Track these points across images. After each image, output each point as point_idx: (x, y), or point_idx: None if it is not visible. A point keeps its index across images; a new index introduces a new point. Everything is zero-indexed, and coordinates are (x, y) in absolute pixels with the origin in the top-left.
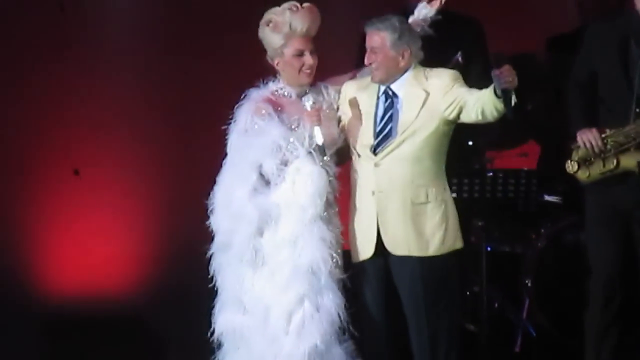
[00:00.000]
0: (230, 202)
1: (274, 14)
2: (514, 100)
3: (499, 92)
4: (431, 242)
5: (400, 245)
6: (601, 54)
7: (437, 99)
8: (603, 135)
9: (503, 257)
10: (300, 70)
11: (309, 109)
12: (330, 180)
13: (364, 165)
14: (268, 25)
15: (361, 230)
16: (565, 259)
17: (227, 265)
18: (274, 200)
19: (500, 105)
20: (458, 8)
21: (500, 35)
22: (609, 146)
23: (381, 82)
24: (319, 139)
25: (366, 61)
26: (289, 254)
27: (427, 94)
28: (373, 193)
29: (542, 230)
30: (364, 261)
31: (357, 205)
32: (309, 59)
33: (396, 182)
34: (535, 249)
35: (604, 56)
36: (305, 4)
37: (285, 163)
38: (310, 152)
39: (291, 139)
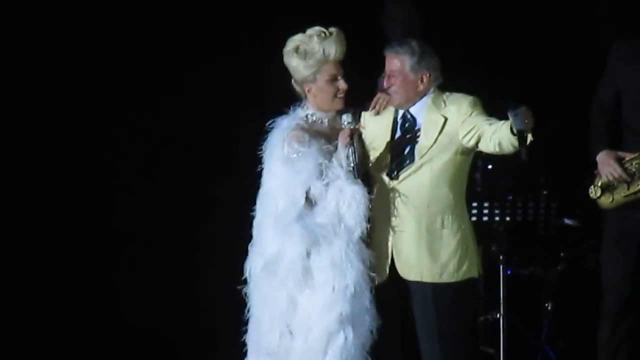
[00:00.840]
0: (278, 225)
1: (301, 42)
2: (529, 139)
3: (515, 130)
4: (445, 268)
5: (413, 270)
6: (626, 74)
7: (455, 125)
8: (627, 158)
9: (523, 281)
10: (335, 95)
11: (346, 125)
12: (370, 200)
13: (381, 188)
14: (296, 52)
15: (377, 254)
16: (585, 283)
17: (274, 289)
18: (319, 221)
19: (515, 143)
20: None
21: None
22: (633, 169)
23: (400, 106)
24: (354, 159)
25: (385, 85)
26: (334, 275)
27: (445, 119)
28: (389, 217)
29: (562, 254)
30: (385, 282)
31: (373, 229)
32: (343, 84)
33: (412, 207)
34: (555, 273)
35: (629, 77)
36: (332, 29)
37: (328, 182)
38: (349, 171)
39: (331, 160)
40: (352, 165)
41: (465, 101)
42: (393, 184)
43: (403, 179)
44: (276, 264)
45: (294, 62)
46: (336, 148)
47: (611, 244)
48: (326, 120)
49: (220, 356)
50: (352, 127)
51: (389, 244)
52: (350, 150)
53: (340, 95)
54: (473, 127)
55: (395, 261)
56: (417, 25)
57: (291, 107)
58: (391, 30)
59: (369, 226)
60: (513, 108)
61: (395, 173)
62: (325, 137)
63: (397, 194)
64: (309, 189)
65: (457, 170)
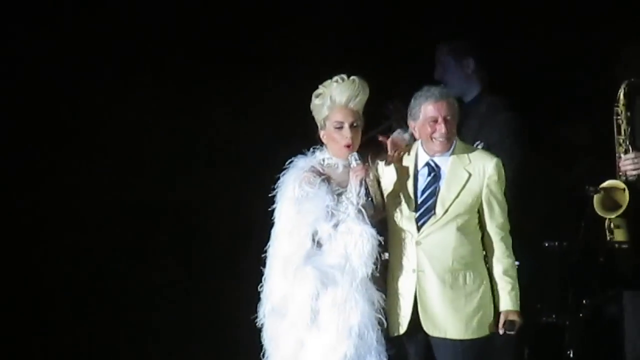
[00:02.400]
0: (287, 267)
1: (323, 86)
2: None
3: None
4: (469, 325)
5: (438, 326)
6: None
7: (478, 185)
8: None
9: (544, 329)
10: (340, 144)
11: (355, 165)
12: (379, 240)
13: (403, 241)
14: (317, 96)
15: (397, 306)
16: (608, 331)
17: (282, 331)
18: (328, 262)
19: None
20: None
21: None
22: None
23: (439, 153)
24: (367, 195)
25: (441, 131)
26: (338, 315)
27: (469, 175)
28: (414, 271)
29: (585, 301)
30: (404, 334)
31: (394, 280)
32: (347, 132)
33: (436, 264)
34: (577, 320)
35: None
36: (352, 77)
37: (336, 224)
38: (360, 210)
39: (342, 198)
40: (363, 202)
41: (491, 162)
42: (417, 237)
43: (428, 234)
44: (285, 306)
45: (313, 106)
46: (347, 187)
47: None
48: (341, 166)
49: None
50: (362, 164)
51: (412, 298)
52: (362, 187)
53: (344, 143)
54: (484, 211)
55: (421, 316)
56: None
57: (311, 149)
58: None
59: (375, 267)
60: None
61: (419, 225)
62: (338, 182)
63: (421, 249)
64: (316, 231)
65: (479, 227)
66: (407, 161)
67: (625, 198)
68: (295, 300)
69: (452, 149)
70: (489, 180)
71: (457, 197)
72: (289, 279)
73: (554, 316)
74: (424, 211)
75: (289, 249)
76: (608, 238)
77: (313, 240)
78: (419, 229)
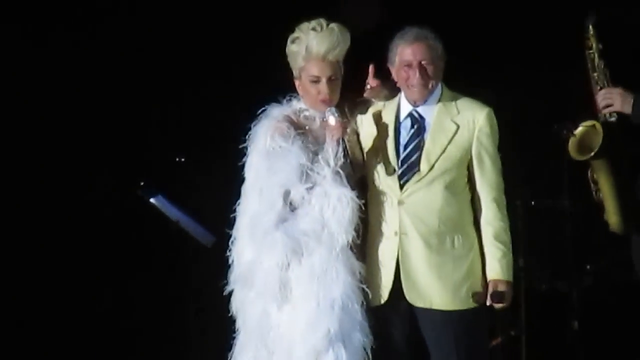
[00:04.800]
0: (255, 230)
1: (300, 29)
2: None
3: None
4: (456, 295)
5: (421, 296)
6: None
7: (467, 138)
8: None
9: (544, 297)
10: (315, 98)
11: (332, 123)
12: (360, 204)
13: (384, 200)
14: (294, 41)
15: (377, 274)
16: (615, 299)
17: (248, 301)
18: (302, 228)
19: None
20: None
21: None
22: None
23: (420, 102)
24: (345, 157)
25: (416, 77)
26: (317, 287)
27: (457, 127)
28: (395, 234)
29: (588, 267)
30: (385, 305)
31: (374, 245)
32: (324, 88)
33: (421, 225)
34: (581, 288)
35: None
36: (332, 25)
37: (311, 186)
38: (337, 172)
39: (317, 158)
40: (341, 164)
41: (482, 113)
42: (399, 196)
43: (411, 193)
44: (252, 274)
45: (289, 51)
46: (323, 144)
47: None
48: (319, 119)
49: None
50: (340, 121)
51: (393, 264)
52: (340, 147)
53: (322, 98)
54: (474, 167)
55: (403, 284)
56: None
57: (287, 97)
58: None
59: (356, 233)
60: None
61: (402, 183)
62: (314, 137)
63: (403, 209)
64: (288, 192)
65: (469, 184)
66: (388, 112)
67: (599, 139)
68: (262, 269)
69: (437, 97)
70: (479, 133)
71: (443, 151)
72: (257, 243)
73: (554, 283)
74: (407, 167)
75: (258, 209)
76: (594, 191)
77: (285, 201)
78: (401, 187)
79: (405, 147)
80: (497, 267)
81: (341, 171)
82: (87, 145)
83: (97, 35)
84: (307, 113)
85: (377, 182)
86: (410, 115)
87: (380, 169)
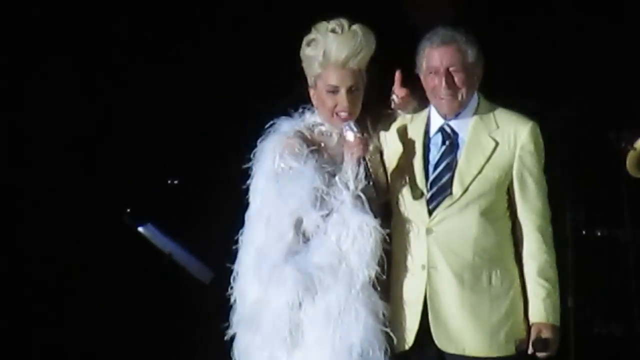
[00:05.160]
0: (261, 264)
1: (317, 30)
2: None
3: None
4: (493, 340)
5: (453, 341)
6: None
7: (507, 156)
8: None
9: (597, 343)
10: (332, 111)
11: (351, 139)
12: (384, 235)
13: (410, 229)
14: (309, 44)
15: (401, 314)
16: None
17: (253, 347)
18: (316, 262)
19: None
20: None
21: None
22: None
23: (451, 115)
24: (367, 179)
25: (442, 86)
26: (333, 331)
27: (496, 144)
28: (423, 268)
29: None
30: (410, 350)
31: (398, 281)
32: (343, 99)
33: (452, 258)
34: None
35: None
36: (354, 26)
37: (327, 213)
38: (358, 197)
39: (334, 180)
40: (361, 187)
41: (525, 127)
42: (427, 223)
43: (442, 219)
44: (258, 315)
45: (303, 55)
46: (341, 164)
47: None
48: (336, 135)
49: None
50: (360, 137)
51: (419, 303)
52: (361, 167)
53: (340, 112)
54: (515, 191)
55: (432, 327)
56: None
57: (299, 109)
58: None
59: (380, 268)
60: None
61: (430, 209)
62: (331, 155)
63: (432, 239)
64: (300, 220)
65: (509, 211)
66: (416, 126)
67: None
68: (269, 309)
69: (473, 109)
70: (521, 151)
71: (479, 172)
72: (263, 279)
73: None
74: (438, 190)
75: (265, 240)
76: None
77: (296, 231)
78: (430, 212)
79: (436, 167)
80: (540, 309)
81: (362, 195)
82: (67, 165)
83: (89, 60)
84: (322, 128)
85: (402, 208)
86: (441, 129)
87: (406, 192)
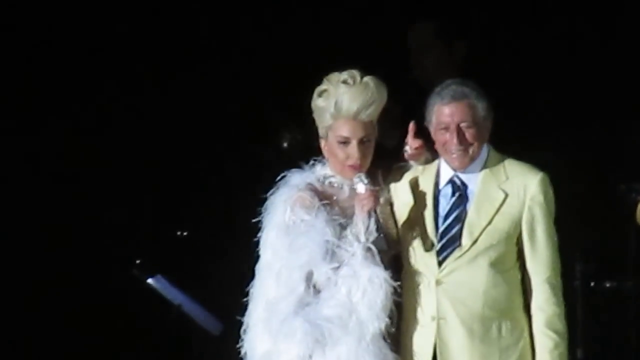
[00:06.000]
0: (271, 317)
1: (328, 81)
2: None
3: None
4: None
5: None
6: None
7: (517, 208)
8: None
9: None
10: (343, 163)
11: (362, 191)
12: (395, 287)
13: (420, 281)
14: (321, 95)
15: None
16: None
17: None
18: (325, 314)
19: None
20: None
21: None
22: None
23: (462, 169)
24: (378, 231)
25: (454, 142)
26: None
27: (506, 196)
28: (433, 319)
29: None
30: None
31: (408, 332)
32: (354, 151)
33: (462, 309)
34: None
35: None
36: (366, 78)
37: (338, 265)
38: (368, 249)
39: (345, 232)
40: (372, 239)
41: (534, 179)
42: (437, 275)
43: (451, 271)
44: None
45: (315, 106)
46: (352, 216)
47: None
48: (347, 188)
49: None
50: (371, 189)
51: (429, 354)
52: (372, 220)
53: (350, 164)
54: (526, 240)
55: None
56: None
57: (310, 161)
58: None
59: (390, 320)
60: None
61: (440, 260)
62: (342, 208)
63: (442, 290)
64: (311, 273)
65: (519, 262)
66: (427, 178)
67: None
68: None
69: (483, 161)
70: (531, 202)
71: (489, 223)
72: (273, 332)
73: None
74: (447, 242)
75: (276, 294)
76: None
77: (307, 284)
78: (439, 264)
79: (445, 219)
80: None
81: (373, 248)
82: (72, 215)
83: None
84: (333, 180)
85: (412, 260)
86: (451, 181)
87: (416, 244)
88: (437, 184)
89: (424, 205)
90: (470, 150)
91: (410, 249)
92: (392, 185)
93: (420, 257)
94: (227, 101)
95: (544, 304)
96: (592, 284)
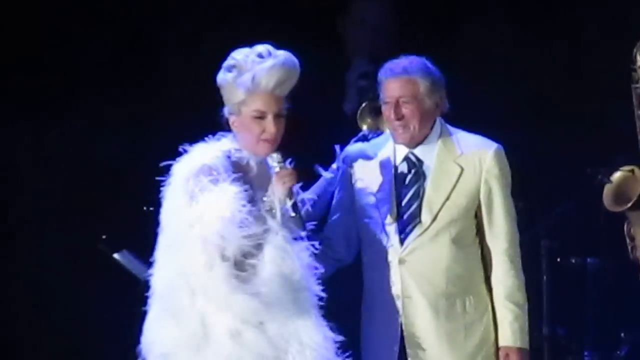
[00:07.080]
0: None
1: (240, 58)
2: None
3: None
4: None
5: None
6: None
7: (473, 182)
8: None
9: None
10: (258, 138)
11: (277, 168)
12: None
13: (384, 259)
14: (231, 70)
15: (376, 343)
16: None
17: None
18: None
19: None
20: None
21: None
22: None
23: (408, 144)
24: (294, 209)
25: (392, 117)
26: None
27: (462, 170)
28: (398, 297)
29: (623, 335)
30: None
31: (373, 310)
32: (270, 126)
33: (426, 287)
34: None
35: None
36: (280, 53)
37: (256, 246)
38: (285, 227)
39: (260, 211)
40: (291, 221)
41: (489, 151)
42: (400, 254)
43: (413, 249)
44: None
45: (224, 82)
46: (266, 193)
47: None
48: (255, 164)
49: None
50: (288, 166)
51: (397, 334)
52: (293, 201)
53: (265, 138)
54: (484, 213)
55: (409, 356)
56: (393, 30)
57: (217, 135)
58: (358, 34)
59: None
60: None
61: (401, 238)
62: (255, 179)
63: (405, 269)
64: (224, 248)
65: (479, 236)
66: (383, 155)
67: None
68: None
69: (436, 135)
70: (487, 175)
71: (447, 198)
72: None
73: (585, 354)
74: (407, 219)
75: (175, 274)
76: (630, 248)
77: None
78: (402, 242)
79: (404, 196)
80: (507, 332)
81: (290, 226)
82: (46, 192)
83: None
84: (241, 155)
85: (373, 239)
86: (406, 158)
87: (376, 223)
88: (394, 161)
89: (382, 183)
90: (412, 126)
91: (371, 227)
92: (351, 163)
93: (381, 236)
94: None
95: (503, 276)
96: (557, 259)
